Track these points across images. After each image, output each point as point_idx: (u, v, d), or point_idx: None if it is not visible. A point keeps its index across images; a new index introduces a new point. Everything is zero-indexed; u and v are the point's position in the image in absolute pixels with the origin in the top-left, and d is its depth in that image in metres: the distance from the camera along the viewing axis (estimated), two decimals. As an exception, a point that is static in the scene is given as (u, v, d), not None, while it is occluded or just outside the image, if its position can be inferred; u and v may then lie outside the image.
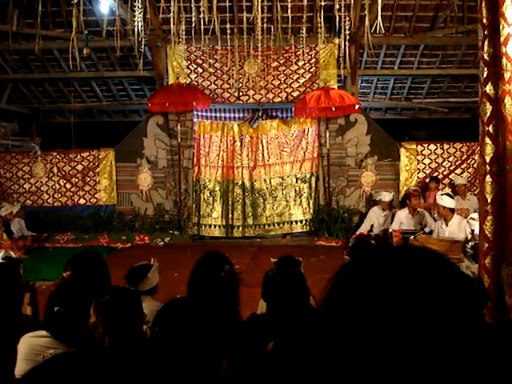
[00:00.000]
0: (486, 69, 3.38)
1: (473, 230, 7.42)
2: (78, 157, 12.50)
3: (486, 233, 3.47)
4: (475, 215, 7.58)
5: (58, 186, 12.53)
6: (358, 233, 10.93)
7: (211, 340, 2.16)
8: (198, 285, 3.42)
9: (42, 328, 3.11)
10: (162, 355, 2.15)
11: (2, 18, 11.65)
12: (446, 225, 7.87)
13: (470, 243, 7.07)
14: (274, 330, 3.04)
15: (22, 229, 11.38)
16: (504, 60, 3.33)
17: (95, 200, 12.53)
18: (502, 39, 3.32)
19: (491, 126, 3.38)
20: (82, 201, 12.54)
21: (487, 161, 3.43)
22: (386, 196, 11.00)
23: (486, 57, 3.38)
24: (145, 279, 4.13)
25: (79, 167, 12.50)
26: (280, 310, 3.15)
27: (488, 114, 3.38)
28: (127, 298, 2.85)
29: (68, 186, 12.52)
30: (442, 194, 8.51)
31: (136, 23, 8.25)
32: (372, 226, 11.02)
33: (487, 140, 3.41)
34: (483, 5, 3.38)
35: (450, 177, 12.00)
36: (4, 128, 13.92)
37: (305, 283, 3.32)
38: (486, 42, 3.37)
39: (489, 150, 3.40)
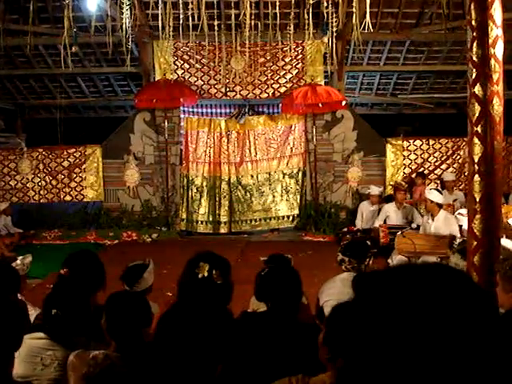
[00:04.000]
0: (474, 70, 3.42)
1: (461, 226, 7.51)
2: (65, 153, 12.46)
3: (475, 231, 3.52)
4: (463, 211, 7.66)
5: (44, 182, 12.48)
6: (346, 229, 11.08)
7: (208, 344, 2.19)
8: (188, 287, 3.41)
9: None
10: (162, 362, 2.18)
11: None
12: (433, 220, 7.95)
13: (457, 239, 7.14)
14: (268, 328, 3.08)
15: (8, 226, 11.27)
16: (492, 61, 3.37)
17: (82, 197, 12.50)
18: (490, 41, 3.36)
19: (480, 126, 3.42)
20: (68, 197, 12.51)
21: (476, 160, 3.47)
22: (375, 190, 11.05)
23: (474, 58, 3.41)
24: (140, 279, 4.10)
25: (65, 163, 12.46)
26: (278, 309, 3.18)
27: (476, 115, 3.42)
28: (130, 306, 2.83)
29: (54, 182, 12.48)
30: (431, 189, 8.61)
31: (124, 19, 8.20)
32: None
33: (476, 140, 3.46)
34: (472, 7, 3.42)
35: (437, 172, 12.11)
36: (-11, 124, 13.84)
37: (299, 281, 3.35)
38: (474, 44, 3.40)
39: (477, 149, 3.44)
